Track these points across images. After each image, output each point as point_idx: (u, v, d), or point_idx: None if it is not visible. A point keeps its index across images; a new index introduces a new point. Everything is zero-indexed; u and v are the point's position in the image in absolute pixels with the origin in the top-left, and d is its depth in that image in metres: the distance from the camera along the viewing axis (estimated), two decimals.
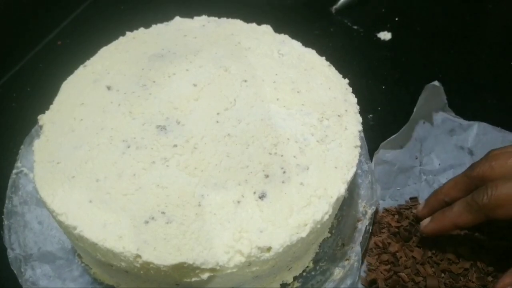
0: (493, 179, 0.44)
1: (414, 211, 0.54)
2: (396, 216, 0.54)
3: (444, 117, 0.62)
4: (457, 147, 0.61)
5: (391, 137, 0.57)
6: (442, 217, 0.48)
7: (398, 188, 0.57)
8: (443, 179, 0.58)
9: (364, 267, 0.50)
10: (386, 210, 0.55)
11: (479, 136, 0.61)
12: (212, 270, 0.39)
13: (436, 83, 0.62)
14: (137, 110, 0.48)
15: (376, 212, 0.54)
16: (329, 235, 0.53)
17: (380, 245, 0.51)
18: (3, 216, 0.52)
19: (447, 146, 0.60)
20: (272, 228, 0.40)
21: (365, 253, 0.51)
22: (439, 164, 0.59)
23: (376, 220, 0.53)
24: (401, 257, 0.50)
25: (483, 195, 0.44)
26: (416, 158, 0.59)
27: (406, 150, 0.58)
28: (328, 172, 0.44)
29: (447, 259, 0.49)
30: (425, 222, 0.49)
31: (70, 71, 0.53)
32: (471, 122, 0.62)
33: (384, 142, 0.58)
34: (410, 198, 0.57)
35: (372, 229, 0.52)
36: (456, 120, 0.62)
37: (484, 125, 0.61)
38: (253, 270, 0.41)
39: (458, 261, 0.49)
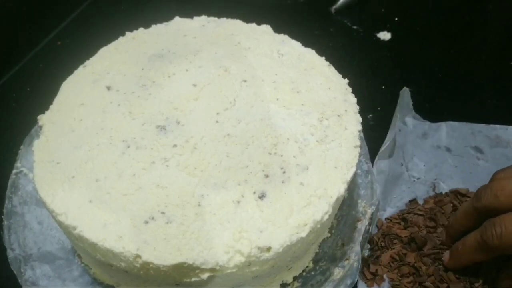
0: (500, 210, 0.43)
1: (417, 212, 0.54)
2: (402, 223, 0.54)
3: (414, 122, 0.64)
4: (434, 147, 0.62)
5: (382, 148, 0.58)
6: (458, 255, 0.47)
7: (395, 196, 0.57)
8: (432, 178, 0.59)
9: (387, 284, 0.49)
10: (389, 219, 0.55)
11: (449, 133, 0.63)
12: (212, 270, 0.39)
13: (405, 88, 0.63)
14: (137, 110, 0.48)
15: (381, 225, 0.54)
16: (329, 235, 0.53)
17: (397, 257, 0.50)
18: (3, 216, 0.52)
19: (425, 148, 0.62)
20: (272, 228, 0.40)
21: (370, 258, 0.51)
22: (424, 165, 0.60)
23: (384, 233, 0.53)
24: (420, 266, 0.49)
25: (492, 234, 0.42)
26: (402, 165, 0.60)
27: (393, 159, 0.59)
28: (328, 172, 0.44)
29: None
30: (446, 258, 0.49)
31: (70, 71, 0.53)
32: (439, 123, 0.64)
33: (380, 152, 0.58)
34: (409, 201, 0.57)
35: (384, 243, 0.52)
36: (424, 123, 0.64)
37: (450, 123, 0.64)
38: (253, 270, 0.41)
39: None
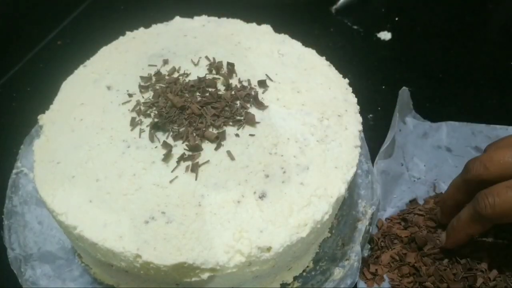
0: (490, 180, 0.43)
1: (417, 212, 0.54)
2: (402, 224, 0.54)
3: (415, 122, 0.64)
4: (434, 147, 0.62)
5: (383, 148, 0.58)
6: (454, 232, 0.47)
7: (395, 196, 0.57)
8: (432, 178, 0.59)
9: (387, 284, 0.49)
10: (389, 219, 0.55)
11: (450, 133, 0.63)
12: (212, 270, 0.39)
13: (404, 88, 0.63)
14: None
15: (382, 225, 0.54)
16: (329, 235, 0.53)
17: (397, 257, 0.51)
18: (3, 216, 0.52)
19: (425, 148, 0.62)
20: (272, 228, 0.40)
21: (370, 258, 0.51)
22: (424, 166, 0.60)
23: (384, 233, 0.53)
24: (420, 266, 0.49)
25: (484, 205, 0.43)
26: (402, 165, 0.60)
27: (393, 159, 0.59)
28: (328, 172, 0.44)
29: (466, 259, 0.49)
30: (443, 239, 0.49)
31: (70, 71, 0.53)
32: (439, 123, 0.64)
33: (380, 152, 0.58)
34: (410, 201, 0.57)
35: (384, 243, 0.52)
36: (425, 123, 0.64)
37: (451, 123, 0.64)
38: (253, 270, 0.40)
39: (477, 261, 0.49)
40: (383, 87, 0.73)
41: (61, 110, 0.49)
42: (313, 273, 0.50)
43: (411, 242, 0.51)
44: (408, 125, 0.64)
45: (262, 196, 0.42)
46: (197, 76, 0.50)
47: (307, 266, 0.51)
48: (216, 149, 0.44)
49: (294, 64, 0.54)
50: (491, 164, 0.43)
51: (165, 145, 0.44)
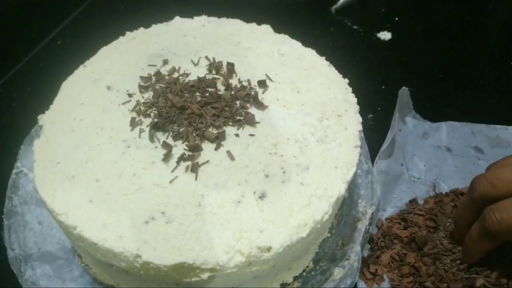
0: (498, 198, 0.43)
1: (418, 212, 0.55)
2: (402, 223, 0.54)
3: (415, 122, 0.64)
4: (434, 147, 0.62)
5: (383, 148, 0.58)
6: (467, 249, 0.47)
7: (395, 196, 0.57)
8: (432, 177, 0.59)
9: (387, 284, 0.49)
10: (389, 219, 0.55)
11: (450, 133, 0.63)
12: (212, 270, 0.39)
13: (404, 88, 0.63)
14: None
15: (382, 225, 0.54)
16: (329, 235, 0.53)
17: (397, 258, 0.51)
18: (3, 216, 0.52)
19: (425, 148, 0.62)
20: (272, 228, 0.40)
21: (370, 258, 0.51)
22: (424, 165, 0.60)
23: (384, 233, 0.53)
24: (420, 266, 0.49)
25: (491, 221, 0.42)
26: (402, 165, 0.60)
27: (393, 158, 0.59)
28: (328, 172, 0.44)
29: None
30: (461, 256, 0.49)
31: (70, 71, 0.53)
32: (439, 123, 0.64)
33: (380, 152, 0.58)
34: (410, 201, 0.57)
35: (384, 243, 0.52)
36: (425, 123, 0.64)
37: (450, 123, 0.64)
38: (253, 270, 0.41)
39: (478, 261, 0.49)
40: (383, 87, 0.73)
41: (61, 110, 0.49)
42: (313, 273, 0.50)
43: (411, 242, 0.51)
44: (408, 125, 0.64)
45: (262, 196, 0.42)
46: (197, 76, 0.50)
47: (307, 266, 0.51)
48: (216, 149, 0.44)
49: (294, 64, 0.54)
50: (498, 182, 0.43)
51: (165, 145, 0.44)
